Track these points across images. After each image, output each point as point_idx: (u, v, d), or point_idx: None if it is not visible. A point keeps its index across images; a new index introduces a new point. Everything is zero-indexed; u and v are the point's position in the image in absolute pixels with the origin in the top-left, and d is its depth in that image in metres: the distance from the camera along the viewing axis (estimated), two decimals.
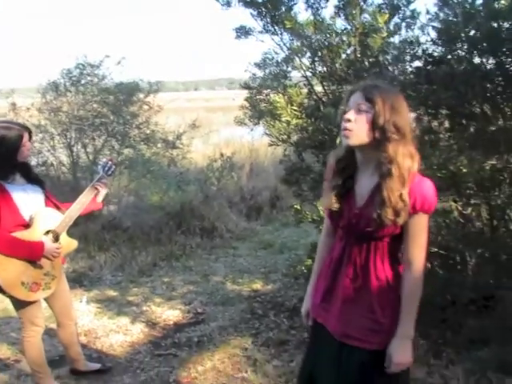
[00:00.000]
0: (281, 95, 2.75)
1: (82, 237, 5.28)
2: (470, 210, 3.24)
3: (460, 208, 3.21)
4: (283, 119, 2.59)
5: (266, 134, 2.88)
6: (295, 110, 2.61)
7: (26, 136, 2.50)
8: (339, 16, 2.73)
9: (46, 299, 2.72)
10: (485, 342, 2.79)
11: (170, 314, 3.84)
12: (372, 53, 2.47)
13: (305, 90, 3.41)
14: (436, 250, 3.49)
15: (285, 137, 2.71)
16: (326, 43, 2.68)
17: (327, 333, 1.74)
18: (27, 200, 2.52)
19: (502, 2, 2.66)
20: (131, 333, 3.54)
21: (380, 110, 1.48)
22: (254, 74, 3.83)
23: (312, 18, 2.84)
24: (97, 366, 3.03)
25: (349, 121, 1.51)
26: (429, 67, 3.19)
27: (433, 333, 3.22)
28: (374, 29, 2.44)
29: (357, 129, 1.50)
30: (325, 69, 2.95)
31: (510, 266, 2.79)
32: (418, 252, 1.56)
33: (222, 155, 5.96)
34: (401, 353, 1.57)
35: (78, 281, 4.47)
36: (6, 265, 2.41)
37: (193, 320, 3.74)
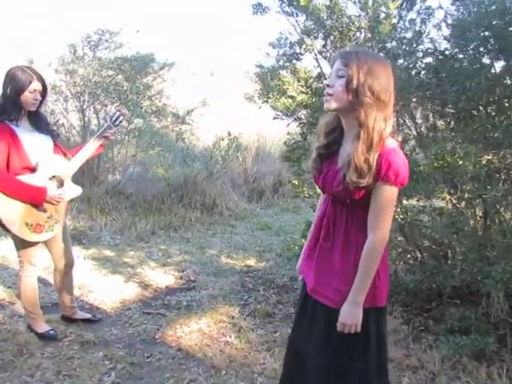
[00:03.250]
0: (289, 71, 2.82)
1: (85, 199, 5.40)
2: (463, 204, 3.31)
3: (454, 201, 3.28)
4: (289, 94, 2.66)
5: (271, 106, 2.95)
6: (301, 86, 2.68)
7: (35, 84, 2.57)
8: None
9: (46, 243, 2.83)
10: (465, 332, 2.86)
11: (163, 278, 3.95)
12: (380, 38, 2.52)
13: (315, 73, 3.48)
14: (428, 244, 3.58)
15: (289, 112, 2.78)
16: (338, 26, 2.74)
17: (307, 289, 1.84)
18: (35, 145, 2.62)
19: None
20: (123, 291, 3.64)
21: (353, 73, 1.51)
22: (267, 54, 3.90)
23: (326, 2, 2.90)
24: (87, 315, 3.14)
25: (328, 86, 1.58)
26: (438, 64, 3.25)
27: (415, 320, 3.32)
28: (384, 15, 2.49)
29: (334, 93, 1.56)
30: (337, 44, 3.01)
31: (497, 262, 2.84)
32: (379, 221, 1.59)
33: (229, 134, 6.03)
34: (347, 315, 1.63)
35: (77, 239, 4.58)
36: (12, 205, 2.52)
37: (184, 286, 3.84)
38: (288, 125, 3.01)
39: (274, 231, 5.53)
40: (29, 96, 2.57)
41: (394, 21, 2.57)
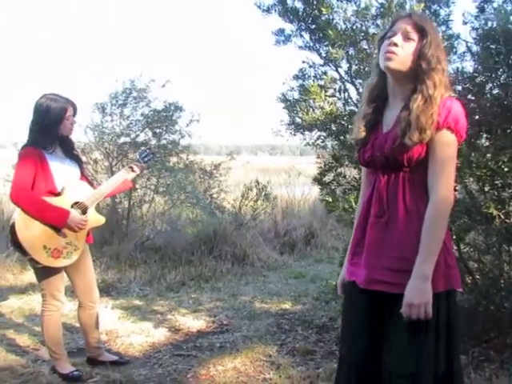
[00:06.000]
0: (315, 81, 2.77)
1: (114, 256, 5.30)
2: None
3: (503, 217, 3.04)
4: (317, 104, 2.59)
5: (298, 123, 2.86)
6: (329, 96, 2.61)
7: (70, 110, 2.60)
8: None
9: (70, 277, 2.71)
10: None
11: (194, 323, 3.71)
12: None
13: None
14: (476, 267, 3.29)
15: (318, 125, 2.68)
16: (364, 31, 2.71)
17: (357, 290, 1.59)
18: (63, 171, 2.59)
19: None
20: (153, 335, 3.42)
21: (430, 41, 1.48)
22: (292, 88, 3.89)
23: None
24: (114, 357, 2.94)
25: (395, 45, 1.49)
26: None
27: (474, 350, 2.97)
28: None
29: (402, 55, 1.48)
30: (361, 67, 2.97)
31: None
32: (441, 177, 1.44)
33: (257, 183, 5.97)
34: (413, 293, 1.42)
35: (105, 291, 4.41)
36: (31, 226, 2.44)
37: (217, 329, 3.60)
38: (322, 141, 2.88)
39: (308, 279, 5.25)
40: (66, 123, 2.59)
41: None
